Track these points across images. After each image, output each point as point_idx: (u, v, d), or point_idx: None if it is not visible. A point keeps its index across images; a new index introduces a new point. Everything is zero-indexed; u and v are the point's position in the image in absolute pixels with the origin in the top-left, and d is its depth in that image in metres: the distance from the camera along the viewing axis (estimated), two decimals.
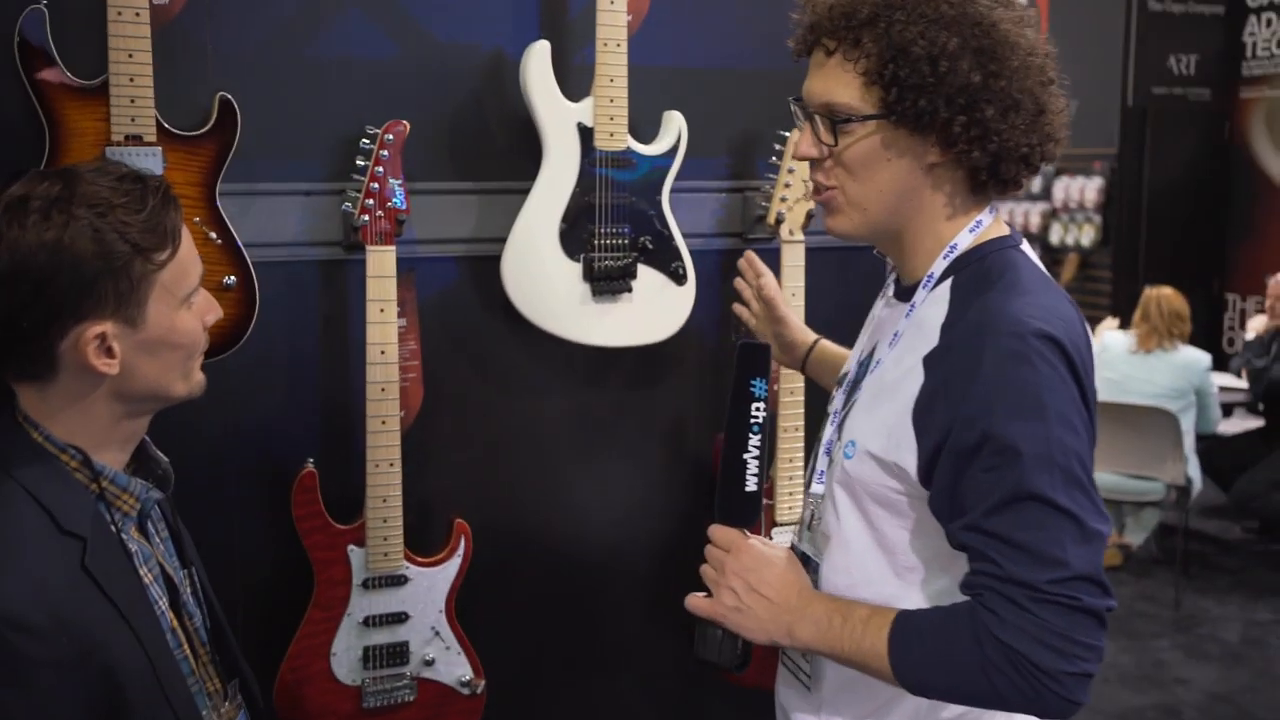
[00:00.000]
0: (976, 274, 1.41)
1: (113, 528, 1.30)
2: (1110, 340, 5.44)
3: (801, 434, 2.36)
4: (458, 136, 2.19)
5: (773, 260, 2.37)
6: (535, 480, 2.33)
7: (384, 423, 2.06)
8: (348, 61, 2.11)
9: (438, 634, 2.14)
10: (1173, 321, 5.23)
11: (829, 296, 2.42)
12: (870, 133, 1.39)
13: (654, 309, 2.24)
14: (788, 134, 2.31)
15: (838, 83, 1.40)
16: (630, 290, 2.19)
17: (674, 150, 2.22)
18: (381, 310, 2.03)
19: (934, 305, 1.43)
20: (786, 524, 2.37)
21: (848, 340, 2.15)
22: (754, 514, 1.46)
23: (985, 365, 1.30)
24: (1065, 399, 1.30)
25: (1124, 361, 5.27)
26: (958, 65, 1.34)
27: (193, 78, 1.99)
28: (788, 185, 2.30)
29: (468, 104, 2.19)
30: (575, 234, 2.15)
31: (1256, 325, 5.77)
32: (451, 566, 2.15)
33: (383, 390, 2.05)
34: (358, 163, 2.02)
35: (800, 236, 2.32)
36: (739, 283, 2.06)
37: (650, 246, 2.20)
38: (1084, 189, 6.77)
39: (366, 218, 2.01)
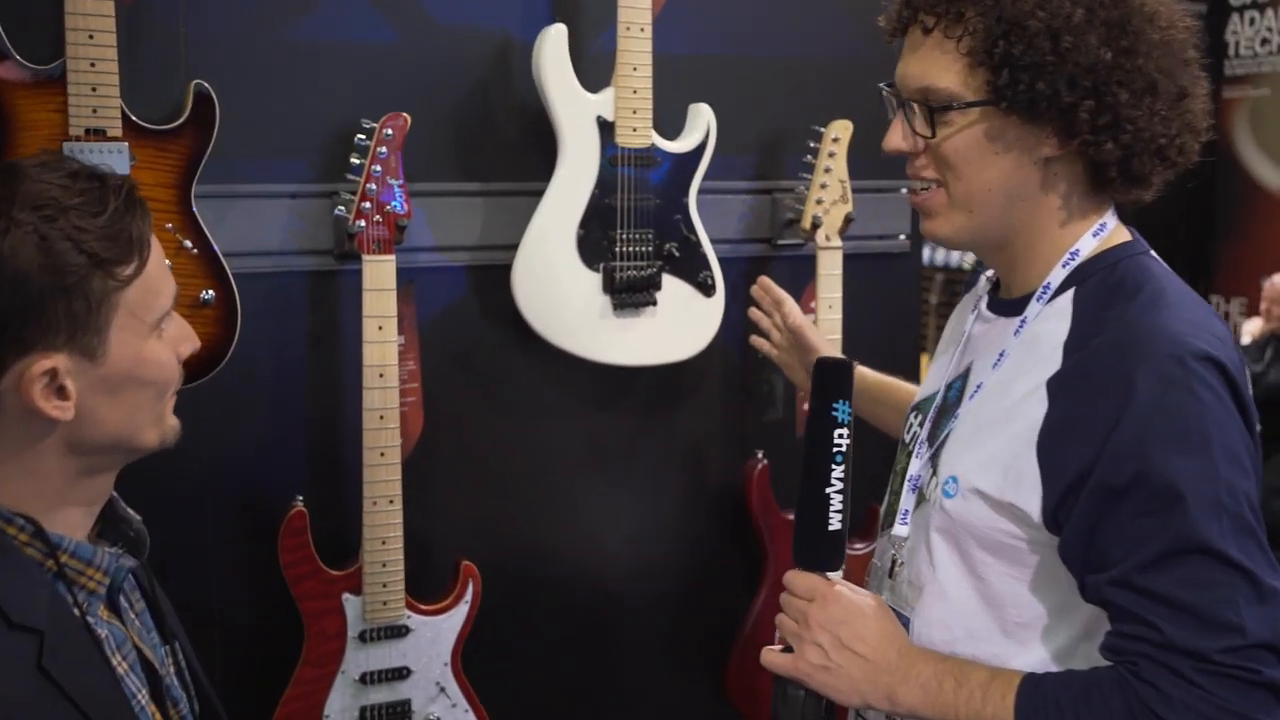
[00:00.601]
0: (1106, 285, 1.22)
1: (76, 611, 1.05)
2: None
3: None
4: (461, 131, 1.96)
5: (806, 268, 2.18)
6: (546, 513, 2.10)
7: (383, 454, 1.82)
8: (339, 46, 1.87)
9: (443, 690, 1.90)
10: None
11: (867, 306, 2.21)
12: (973, 122, 1.20)
13: (680, 323, 2.01)
14: (822, 129, 2.10)
15: (936, 65, 1.21)
16: (655, 303, 1.97)
17: (702, 147, 2.00)
18: (380, 328, 1.80)
19: (1051, 321, 1.23)
20: None
21: (891, 357, 1.95)
22: (838, 557, 1.25)
23: (1139, 391, 1.11)
24: (1232, 432, 1.12)
25: None
26: (1084, 40, 1.14)
27: (163, 64, 1.75)
28: (824, 186, 2.09)
29: (472, 95, 1.96)
30: (594, 241, 1.93)
31: (1252, 329, 5.64)
32: (458, 614, 1.92)
33: (381, 418, 1.82)
34: (352, 161, 1.79)
35: (838, 242, 2.11)
36: (755, 313, 1.84)
37: (676, 254, 1.98)
38: None
39: (363, 223, 1.78)
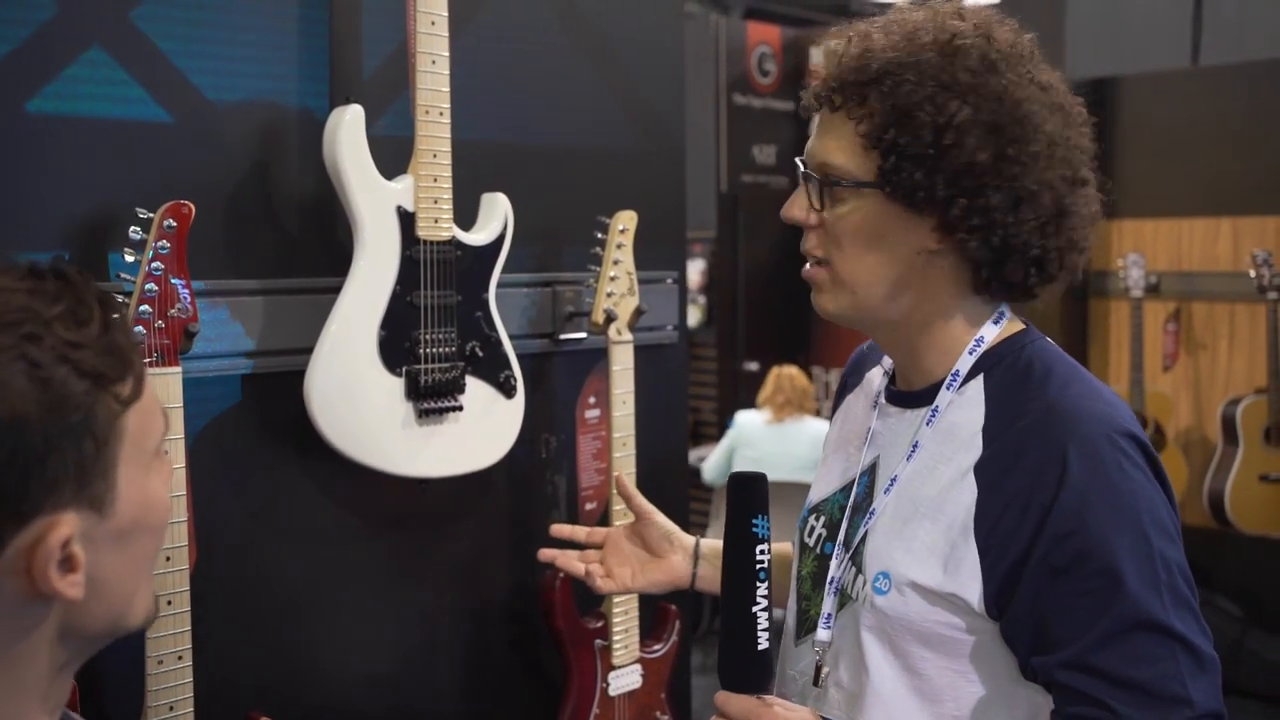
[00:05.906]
0: (1015, 371, 1.25)
1: None
2: (744, 419, 5.57)
3: None
4: (233, 221, 1.72)
5: (584, 363, 2.12)
6: (342, 646, 1.86)
7: (170, 603, 1.54)
8: (86, 123, 1.58)
9: None
10: (802, 396, 5.47)
11: (638, 400, 2.15)
12: (862, 203, 1.22)
13: (483, 428, 1.86)
14: (607, 219, 2.04)
15: (837, 142, 1.23)
16: (460, 408, 1.81)
17: (501, 239, 1.88)
18: (165, 452, 1.52)
19: (964, 408, 1.25)
20: (623, 666, 2.06)
21: (663, 452, 1.90)
22: (768, 676, 1.22)
23: (1073, 472, 1.14)
24: (1159, 505, 1.18)
25: (762, 437, 5.40)
26: (964, 139, 1.17)
27: None
28: (613, 278, 2.03)
29: (244, 181, 1.73)
30: (396, 342, 1.75)
31: None
32: None
33: (168, 559, 1.53)
34: (125, 257, 1.51)
35: (628, 336, 2.05)
36: (557, 558, 1.58)
37: (479, 354, 1.84)
38: (688, 271, 7.01)
39: (143, 330, 1.50)
